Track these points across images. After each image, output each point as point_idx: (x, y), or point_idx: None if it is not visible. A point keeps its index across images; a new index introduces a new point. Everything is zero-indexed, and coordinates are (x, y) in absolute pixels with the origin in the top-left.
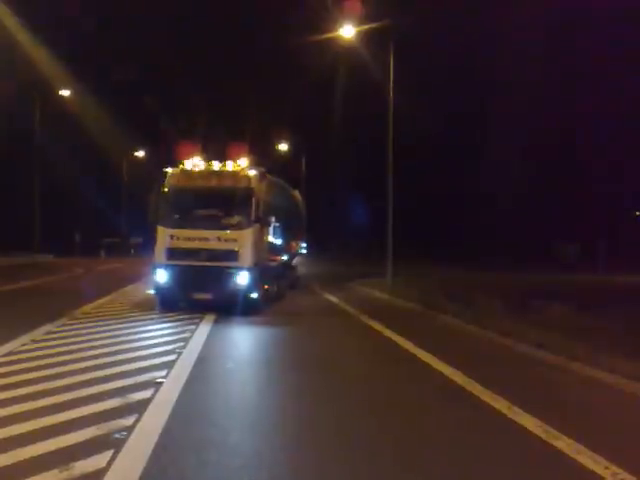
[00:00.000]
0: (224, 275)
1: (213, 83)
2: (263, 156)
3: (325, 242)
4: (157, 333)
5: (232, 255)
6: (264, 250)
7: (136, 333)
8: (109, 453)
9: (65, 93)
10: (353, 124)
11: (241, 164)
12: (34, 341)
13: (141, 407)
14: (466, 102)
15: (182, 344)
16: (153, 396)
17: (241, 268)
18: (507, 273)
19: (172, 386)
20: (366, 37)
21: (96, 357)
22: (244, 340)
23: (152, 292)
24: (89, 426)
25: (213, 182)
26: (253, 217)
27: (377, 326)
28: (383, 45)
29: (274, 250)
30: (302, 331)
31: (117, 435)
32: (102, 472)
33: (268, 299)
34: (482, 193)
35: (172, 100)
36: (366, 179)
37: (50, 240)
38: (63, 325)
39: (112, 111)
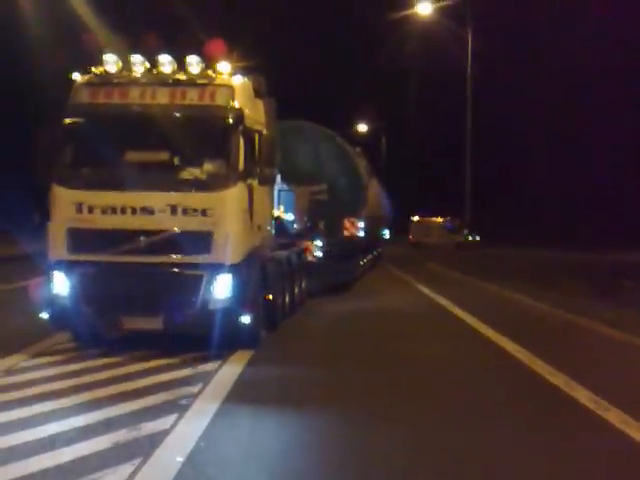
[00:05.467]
0: (184, 282)
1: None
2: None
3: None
4: None
5: (200, 242)
6: (264, 230)
7: None
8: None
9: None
10: (432, 105)
11: (221, 69)
12: None
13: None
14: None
15: None
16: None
17: (219, 267)
18: (592, 253)
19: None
20: (444, 14)
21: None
22: None
23: (45, 316)
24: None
25: (160, 98)
26: (241, 166)
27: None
28: (461, 22)
29: (284, 231)
30: None
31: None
32: (165, 433)
33: (272, 318)
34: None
35: None
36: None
37: None
38: None
39: None
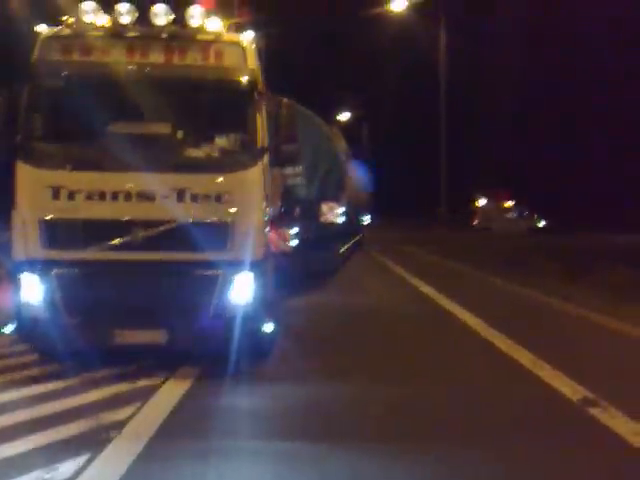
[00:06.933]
0: (195, 285)
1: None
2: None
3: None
4: None
5: (214, 234)
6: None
7: None
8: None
9: None
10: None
11: (217, 24)
12: None
13: None
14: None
15: None
16: None
17: (238, 265)
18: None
19: None
20: (417, 10)
21: None
22: None
23: (10, 330)
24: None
25: (154, 56)
26: (260, 141)
27: None
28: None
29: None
30: None
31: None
32: (158, 386)
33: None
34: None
35: None
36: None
37: None
38: None
39: None
